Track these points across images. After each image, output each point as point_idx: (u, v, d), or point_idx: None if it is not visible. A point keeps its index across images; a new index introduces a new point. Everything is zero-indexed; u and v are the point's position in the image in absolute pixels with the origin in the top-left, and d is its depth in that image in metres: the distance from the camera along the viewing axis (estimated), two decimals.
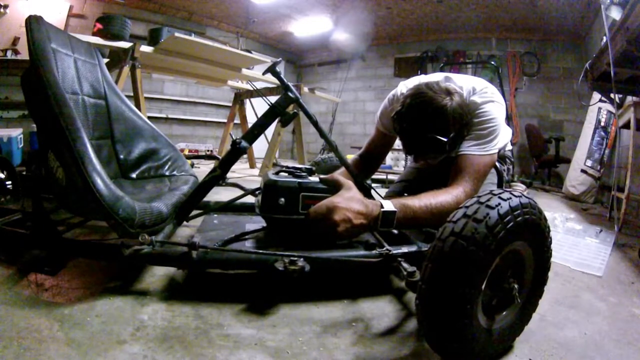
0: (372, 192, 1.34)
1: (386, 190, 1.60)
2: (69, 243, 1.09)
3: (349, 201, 1.00)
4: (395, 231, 1.23)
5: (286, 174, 1.17)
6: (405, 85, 1.34)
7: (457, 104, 1.10)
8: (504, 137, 1.37)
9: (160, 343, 0.77)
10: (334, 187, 1.08)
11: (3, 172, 1.78)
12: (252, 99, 4.46)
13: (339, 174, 1.35)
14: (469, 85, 1.21)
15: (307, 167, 1.21)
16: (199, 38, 3.48)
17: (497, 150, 1.18)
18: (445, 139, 1.09)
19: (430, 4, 5.15)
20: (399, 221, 1.01)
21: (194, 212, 1.38)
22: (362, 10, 5.42)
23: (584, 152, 3.72)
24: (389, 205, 1.01)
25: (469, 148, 1.14)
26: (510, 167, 1.49)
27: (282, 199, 1.09)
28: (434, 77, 1.33)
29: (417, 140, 1.16)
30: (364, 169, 1.49)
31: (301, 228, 1.06)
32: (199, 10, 5.85)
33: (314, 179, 1.14)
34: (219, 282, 1.11)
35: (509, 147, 1.52)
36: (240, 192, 1.53)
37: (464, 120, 1.14)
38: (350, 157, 1.53)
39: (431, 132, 1.09)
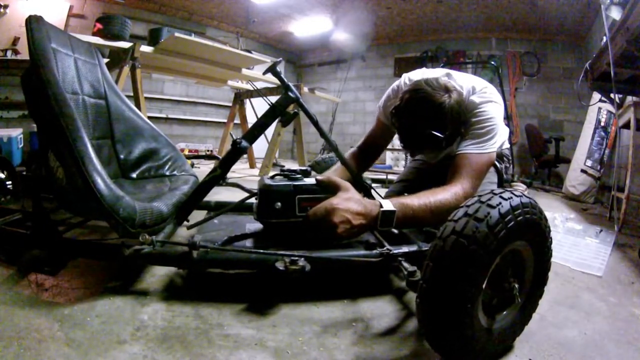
0: (372, 192, 1.34)
1: (386, 190, 1.60)
2: (69, 243, 1.09)
3: (347, 202, 1.00)
4: (395, 231, 1.23)
5: (281, 177, 1.17)
6: (409, 78, 1.35)
7: (455, 102, 1.11)
8: (501, 136, 1.37)
9: (160, 343, 0.77)
10: (331, 189, 1.08)
11: (3, 172, 1.78)
12: (252, 99, 4.46)
13: (334, 171, 1.35)
14: (468, 85, 1.22)
15: (303, 168, 1.21)
16: (199, 38, 3.47)
17: (495, 149, 1.19)
18: (441, 135, 1.10)
19: (430, 4, 5.15)
20: (398, 220, 1.01)
21: (205, 216, 1.37)
22: (362, 10, 5.43)
23: (584, 152, 3.71)
24: (388, 205, 1.01)
25: (466, 147, 1.15)
26: (509, 165, 1.49)
27: (279, 203, 1.08)
28: (436, 72, 1.33)
29: (414, 135, 1.18)
30: (362, 162, 1.49)
31: (300, 231, 1.06)
32: (199, 10, 5.85)
33: (310, 180, 1.14)
34: (219, 282, 1.11)
35: (507, 145, 1.52)
36: (240, 192, 1.53)
37: (462, 118, 1.15)
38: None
39: (428, 128, 1.11)
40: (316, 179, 1.13)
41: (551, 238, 0.84)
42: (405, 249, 1.02)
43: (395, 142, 5.23)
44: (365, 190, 1.30)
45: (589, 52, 4.51)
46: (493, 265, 0.72)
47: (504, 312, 0.81)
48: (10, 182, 1.77)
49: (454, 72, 1.29)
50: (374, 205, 1.02)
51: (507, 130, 1.49)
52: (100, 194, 0.93)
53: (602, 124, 3.65)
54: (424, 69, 1.41)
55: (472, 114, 1.17)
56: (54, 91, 1.01)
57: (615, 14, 2.23)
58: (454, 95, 1.12)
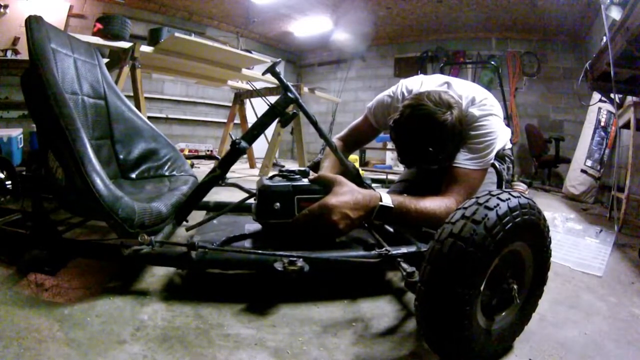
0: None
1: (386, 190, 1.60)
2: (69, 243, 1.09)
3: (342, 197, 1.02)
4: (391, 229, 1.23)
5: (280, 178, 1.17)
6: (406, 87, 1.34)
7: (457, 119, 1.10)
8: (502, 138, 1.37)
9: (160, 343, 0.77)
10: (326, 186, 1.08)
11: (3, 172, 1.78)
12: (252, 99, 4.46)
13: (330, 168, 1.35)
14: (469, 94, 1.21)
15: (301, 169, 1.21)
16: (199, 38, 3.47)
17: (490, 163, 1.21)
18: (441, 154, 1.10)
19: (430, 4, 5.15)
20: (392, 217, 1.05)
21: (205, 216, 1.37)
22: (362, 10, 5.42)
23: (584, 152, 3.71)
24: (387, 200, 1.04)
25: (464, 161, 1.16)
26: (510, 165, 1.50)
27: (277, 204, 1.08)
28: (435, 79, 1.32)
29: (412, 152, 1.16)
30: (345, 151, 1.50)
31: (299, 230, 1.06)
32: (199, 10, 5.85)
33: (308, 180, 1.15)
34: (219, 282, 1.11)
35: (509, 145, 1.53)
36: (240, 193, 1.53)
37: (462, 134, 1.14)
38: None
39: (428, 146, 1.09)
40: (309, 179, 1.14)
41: (550, 238, 0.84)
42: (404, 249, 1.02)
43: None
44: (358, 179, 1.29)
45: (589, 52, 4.51)
46: (491, 267, 0.72)
47: (503, 313, 0.81)
48: (10, 182, 1.77)
49: (453, 80, 1.28)
50: (372, 197, 1.04)
51: (508, 131, 1.49)
52: (99, 194, 0.93)
53: (602, 124, 3.65)
54: (422, 75, 1.40)
55: (472, 127, 1.17)
56: (53, 91, 1.01)
57: (615, 14, 2.23)
58: (455, 112, 1.10)
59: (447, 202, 1.10)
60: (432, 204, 1.08)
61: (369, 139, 1.56)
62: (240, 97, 4.57)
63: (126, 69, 2.87)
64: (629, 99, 2.50)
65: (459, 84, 1.26)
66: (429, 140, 1.09)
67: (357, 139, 1.55)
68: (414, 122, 1.11)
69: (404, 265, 0.91)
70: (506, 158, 1.48)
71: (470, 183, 1.15)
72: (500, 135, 1.23)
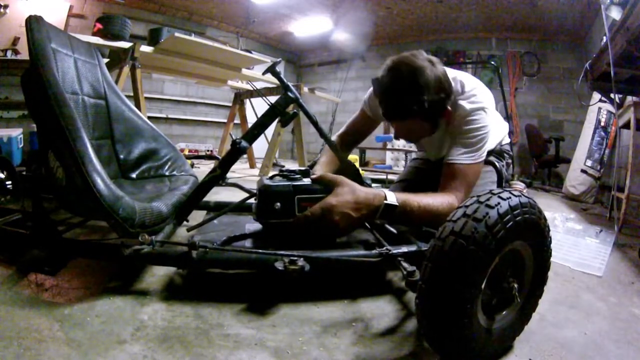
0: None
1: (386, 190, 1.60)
2: (69, 243, 1.09)
3: (344, 196, 1.01)
4: (394, 230, 1.23)
5: (280, 178, 1.17)
6: None
7: (440, 73, 1.10)
8: (498, 132, 1.36)
9: (160, 343, 0.77)
10: (327, 186, 1.08)
11: (3, 172, 1.78)
12: (252, 99, 4.46)
13: (325, 165, 1.34)
14: (456, 77, 1.21)
15: (302, 169, 1.21)
16: (199, 38, 3.47)
17: (484, 157, 1.21)
18: (422, 99, 1.07)
19: (430, 4, 5.15)
20: (396, 216, 1.04)
21: (205, 216, 1.37)
22: (362, 10, 5.42)
23: (584, 152, 3.71)
24: (392, 199, 1.03)
25: (459, 157, 1.16)
26: (510, 161, 1.49)
27: (278, 204, 1.08)
28: None
29: (393, 103, 1.14)
30: (344, 149, 1.50)
31: (300, 231, 1.06)
32: (199, 10, 5.86)
33: (309, 180, 1.15)
34: (219, 282, 1.11)
35: (507, 140, 1.51)
36: (240, 192, 1.53)
37: (445, 91, 1.12)
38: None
39: (407, 92, 1.08)
40: (311, 179, 1.14)
41: (551, 238, 0.84)
42: (404, 249, 1.02)
43: (396, 143, 5.24)
44: (358, 177, 1.28)
45: (589, 52, 4.51)
46: (492, 266, 0.72)
47: (504, 312, 0.81)
48: (10, 182, 1.77)
49: (446, 69, 1.28)
50: (376, 196, 1.03)
51: (505, 125, 1.48)
52: (100, 194, 0.93)
53: (602, 124, 3.65)
54: None
55: (464, 122, 1.17)
56: (53, 91, 1.01)
57: (615, 14, 2.23)
58: (438, 67, 1.10)
59: (449, 199, 1.09)
60: (435, 201, 1.07)
61: (368, 132, 1.55)
62: (240, 97, 4.57)
63: (126, 69, 2.87)
64: (629, 99, 2.50)
65: (450, 71, 1.26)
66: (406, 86, 1.07)
67: (356, 133, 1.54)
68: (393, 70, 1.10)
69: (405, 264, 0.91)
70: (504, 154, 1.47)
71: (467, 178, 1.16)
72: (493, 129, 1.23)
